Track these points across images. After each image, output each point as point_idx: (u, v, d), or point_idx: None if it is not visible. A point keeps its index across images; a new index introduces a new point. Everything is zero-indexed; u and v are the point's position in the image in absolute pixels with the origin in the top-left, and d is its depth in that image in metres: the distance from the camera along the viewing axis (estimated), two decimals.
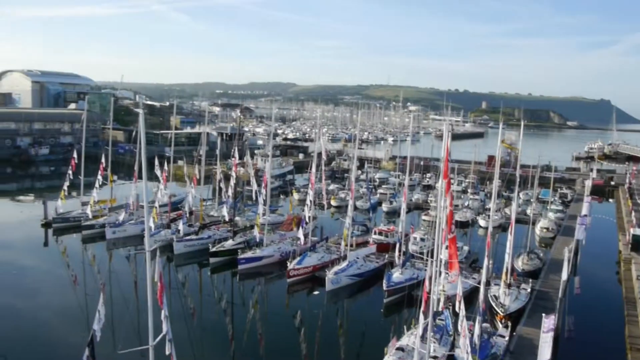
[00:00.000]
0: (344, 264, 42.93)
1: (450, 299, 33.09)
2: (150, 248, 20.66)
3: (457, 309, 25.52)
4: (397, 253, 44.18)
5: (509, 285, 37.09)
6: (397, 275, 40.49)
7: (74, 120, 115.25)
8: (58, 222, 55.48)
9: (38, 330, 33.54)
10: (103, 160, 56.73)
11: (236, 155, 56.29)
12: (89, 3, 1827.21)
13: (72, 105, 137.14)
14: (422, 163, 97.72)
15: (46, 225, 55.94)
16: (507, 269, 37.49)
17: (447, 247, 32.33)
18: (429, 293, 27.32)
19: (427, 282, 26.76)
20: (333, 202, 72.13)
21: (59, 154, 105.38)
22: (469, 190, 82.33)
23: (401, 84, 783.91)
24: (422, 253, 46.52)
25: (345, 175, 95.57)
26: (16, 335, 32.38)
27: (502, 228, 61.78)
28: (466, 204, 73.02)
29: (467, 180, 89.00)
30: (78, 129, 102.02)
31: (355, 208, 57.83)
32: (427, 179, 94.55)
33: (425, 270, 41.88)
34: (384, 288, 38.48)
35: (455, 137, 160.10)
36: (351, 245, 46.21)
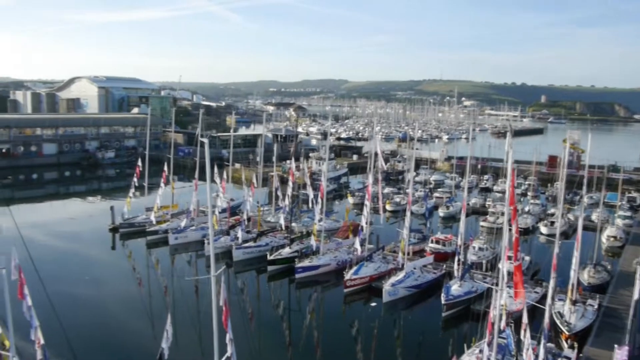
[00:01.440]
0: (401, 275, 42.77)
1: (511, 316, 32.40)
2: (215, 273, 21.33)
3: (521, 330, 25.01)
4: (455, 264, 43.49)
5: (574, 302, 35.82)
6: (455, 287, 39.96)
7: (137, 124, 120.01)
8: (124, 227, 58.07)
9: (107, 331, 35.48)
10: (165, 168, 58.74)
11: (293, 165, 56.75)
12: (146, 7, 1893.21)
13: (135, 110, 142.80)
14: (479, 165, 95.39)
15: (113, 230, 58.60)
16: (572, 284, 36.16)
17: (509, 259, 31.84)
18: (488, 309, 26.94)
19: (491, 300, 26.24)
20: (388, 207, 71.68)
21: (123, 157, 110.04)
22: (529, 194, 79.65)
23: (455, 79, 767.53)
24: (481, 264, 46.07)
25: (400, 177, 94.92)
26: (87, 335, 34.18)
27: (565, 235, 59.54)
28: (526, 209, 70.52)
29: (526, 183, 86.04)
30: (141, 133, 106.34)
31: (411, 213, 57.37)
32: (485, 181, 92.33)
33: (486, 283, 41.47)
34: (443, 301, 38.06)
35: (513, 134, 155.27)
36: (408, 254, 45.98)
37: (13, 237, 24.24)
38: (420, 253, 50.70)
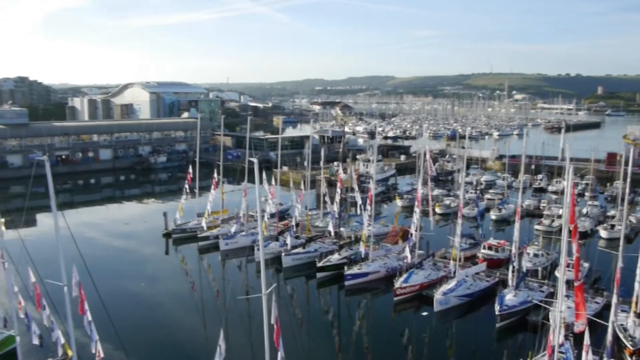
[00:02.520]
0: (452, 283, 41.91)
1: (570, 328, 31.19)
2: (266, 291, 21.46)
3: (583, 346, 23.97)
4: (510, 272, 42.17)
5: (639, 315, 34.03)
6: (510, 297, 38.81)
7: (187, 128, 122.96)
8: (177, 232, 59.58)
9: (163, 341, 36.43)
10: (215, 175, 59.80)
11: (340, 170, 56.54)
12: (195, 9, 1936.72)
13: (185, 114, 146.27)
14: (532, 163, 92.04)
15: (167, 235, 60.19)
16: (637, 296, 34.31)
17: (569, 267, 30.59)
18: (547, 321, 25.93)
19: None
20: (437, 210, 70.38)
21: (175, 161, 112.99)
22: (587, 194, 76.17)
23: (505, 72, 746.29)
24: (537, 271, 44.54)
25: (449, 178, 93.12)
26: (143, 345, 35.27)
27: (627, 240, 56.65)
28: (584, 211, 67.47)
29: (583, 182, 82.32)
30: (192, 137, 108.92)
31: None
32: (539, 181, 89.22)
33: (542, 292, 40.11)
34: (497, 312, 37.02)
35: (568, 128, 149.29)
36: (459, 260, 44.99)
37: (73, 253, 25.21)
38: (472, 259, 49.54)
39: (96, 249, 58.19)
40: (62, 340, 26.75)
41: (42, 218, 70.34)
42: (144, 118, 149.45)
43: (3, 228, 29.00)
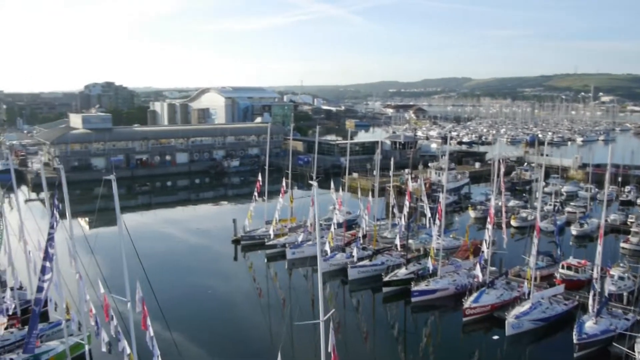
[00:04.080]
0: (526, 306, 39.44)
1: None
2: (324, 318, 20.85)
3: None
4: (591, 296, 39.09)
5: None
6: (590, 324, 35.95)
7: (259, 132, 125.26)
8: (245, 239, 60.46)
9: (221, 344, 37.32)
10: (283, 182, 60.11)
11: (410, 184, 54.95)
12: (274, 14, 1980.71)
13: (258, 119, 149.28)
14: (619, 173, 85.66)
15: (236, 241, 61.22)
16: None
17: None
18: (633, 352, 23.59)
19: None
20: (513, 222, 67.05)
21: (247, 166, 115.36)
22: None
23: (590, 72, 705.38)
24: (622, 296, 41.07)
25: (527, 188, 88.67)
26: (202, 349, 35.91)
27: None
28: None
29: None
30: (264, 141, 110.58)
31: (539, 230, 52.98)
32: (626, 193, 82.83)
33: (627, 320, 36.87)
34: (575, 340, 34.35)
35: None
36: (535, 280, 42.34)
37: (137, 268, 25.85)
38: (549, 279, 46.59)
39: (168, 251, 60.81)
40: (128, 351, 27.48)
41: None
42: (219, 122, 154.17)
43: (79, 230, 30.19)
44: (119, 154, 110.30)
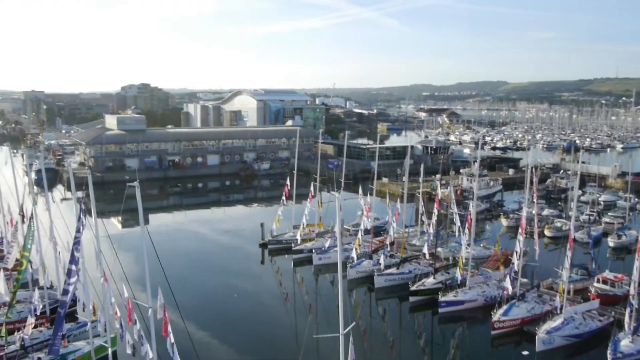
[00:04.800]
0: (558, 321, 38.03)
1: None
2: (344, 331, 20.37)
3: None
4: (627, 312, 37.40)
5: None
6: (626, 343, 34.43)
7: (290, 136, 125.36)
8: (273, 243, 60.40)
9: (249, 346, 37.33)
10: (312, 189, 59.81)
11: (439, 192, 53.76)
12: (308, 17, 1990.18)
13: (289, 122, 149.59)
14: None
15: (263, 245, 61.22)
16: None
17: None
18: None
19: None
20: (547, 232, 65.08)
21: (277, 169, 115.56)
22: None
23: (633, 76, 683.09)
24: None
25: (563, 196, 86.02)
26: (230, 348, 35.53)
27: None
28: None
29: None
30: (295, 144, 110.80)
31: (573, 240, 51.11)
32: None
33: None
34: (609, 359, 32.91)
35: None
36: (568, 293, 40.82)
37: (160, 274, 25.86)
38: (583, 293, 44.88)
39: (196, 252, 61.62)
40: (151, 355, 27.57)
41: (153, 218, 75.29)
42: (250, 125, 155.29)
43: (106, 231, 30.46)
44: (152, 155, 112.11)
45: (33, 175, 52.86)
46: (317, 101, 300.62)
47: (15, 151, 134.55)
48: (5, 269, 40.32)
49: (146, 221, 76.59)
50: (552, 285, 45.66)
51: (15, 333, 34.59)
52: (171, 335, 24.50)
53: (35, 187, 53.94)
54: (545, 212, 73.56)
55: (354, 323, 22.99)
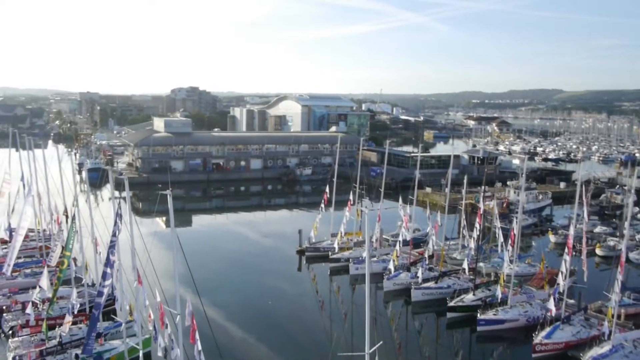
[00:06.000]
0: (606, 348, 35.84)
1: None
2: (369, 350, 19.60)
3: None
4: None
5: None
6: None
7: (333, 142, 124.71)
8: (310, 251, 60.02)
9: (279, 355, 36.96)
10: (351, 197, 59.11)
11: (481, 205, 51.88)
12: (358, 22, 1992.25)
13: (333, 128, 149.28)
14: None
15: (300, 252, 60.91)
16: None
17: None
18: None
19: None
20: (598, 251, 61.96)
21: (319, 174, 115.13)
22: None
23: None
24: None
25: (618, 213, 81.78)
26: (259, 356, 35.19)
27: None
28: None
29: None
30: (336, 151, 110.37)
31: (627, 260, 48.38)
32: None
33: None
34: None
35: None
36: (618, 317, 38.46)
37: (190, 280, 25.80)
38: (635, 318, 42.16)
39: (233, 255, 62.35)
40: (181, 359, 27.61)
41: (196, 220, 76.44)
42: (294, 130, 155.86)
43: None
44: (196, 158, 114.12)
45: (84, 174, 54.38)
46: (363, 107, 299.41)
47: (69, 150, 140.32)
48: (50, 266, 41.52)
49: (188, 222, 78.85)
50: (601, 309, 43.16)
51: (57, 328, 35.43)
52: (198, 343, 24.39)
53: (85, 186, 55.55)
54: (598, 229, 70.18)
55: (381, 342, 22.14)
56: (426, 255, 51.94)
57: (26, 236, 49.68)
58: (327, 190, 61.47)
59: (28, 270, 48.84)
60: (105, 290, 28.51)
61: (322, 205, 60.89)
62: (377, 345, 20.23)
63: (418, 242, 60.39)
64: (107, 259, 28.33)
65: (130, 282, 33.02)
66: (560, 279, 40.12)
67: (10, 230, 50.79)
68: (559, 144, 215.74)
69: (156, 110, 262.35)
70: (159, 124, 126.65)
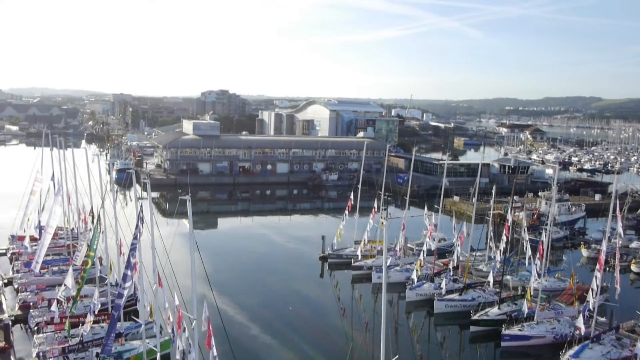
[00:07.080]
0: None
1: None
2: None
3: None
4: None
5: None
6: None
7: (360, 147, 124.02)
8: (333, 257, 59.64)
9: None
10: (375, 203, 58.47)
11: (510, 216, 50.50)
12: (387, 27, 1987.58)
13: (361, 134, 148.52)
14: None
15: (323, 258, 60.53)
16: None
17: None
18: None
19: None
20: (634, 268, 59.75)
21: (345, 180, 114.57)
22: None
23: None
24: None
25: None
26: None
27: None
28: None
29: None
30: (365, 156, 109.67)
31: None
32: None
33: None
34: None
35: None
36: None
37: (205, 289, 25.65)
38: None
39: (256, 259, 62.25)
40: None
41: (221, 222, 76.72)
42: (322, 135, 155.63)
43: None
44: (224, 161, 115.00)
45: (114, 174, 55.27)
46: (393, 112, 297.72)
47: (100, 150, 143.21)
48: (75, 265, 42.12)
49: (214, 225, 79.29)
50: (634, 328, 41.52)
51: (80, 327, 35.82)
52: (214, 349, 24.21)
53: (115, 186, 56.34)
54: (634, 244, 67.72)
55: (397, 357, 21.53)
56: (451, 266, 50.89)
57: (55, 234, 50.71)
58: (352, 196, 60.95)
59: (55, 268, 49.74)
60: (125, 292, 28.66)
61: (346, 212, 60.44)
62: (394, 359, 19.66)
63: (443, 252, 59.31)
64: (128, 261, 28.49)
65: (151, 284, 33.17)
66: (590, 296, 38.64)
67: (40, 228, 51.80)
68: (596, 154, 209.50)
69: (186, 112, 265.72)
70: (187, 126, 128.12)
